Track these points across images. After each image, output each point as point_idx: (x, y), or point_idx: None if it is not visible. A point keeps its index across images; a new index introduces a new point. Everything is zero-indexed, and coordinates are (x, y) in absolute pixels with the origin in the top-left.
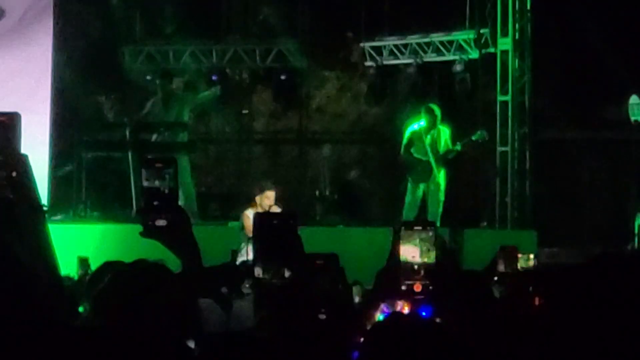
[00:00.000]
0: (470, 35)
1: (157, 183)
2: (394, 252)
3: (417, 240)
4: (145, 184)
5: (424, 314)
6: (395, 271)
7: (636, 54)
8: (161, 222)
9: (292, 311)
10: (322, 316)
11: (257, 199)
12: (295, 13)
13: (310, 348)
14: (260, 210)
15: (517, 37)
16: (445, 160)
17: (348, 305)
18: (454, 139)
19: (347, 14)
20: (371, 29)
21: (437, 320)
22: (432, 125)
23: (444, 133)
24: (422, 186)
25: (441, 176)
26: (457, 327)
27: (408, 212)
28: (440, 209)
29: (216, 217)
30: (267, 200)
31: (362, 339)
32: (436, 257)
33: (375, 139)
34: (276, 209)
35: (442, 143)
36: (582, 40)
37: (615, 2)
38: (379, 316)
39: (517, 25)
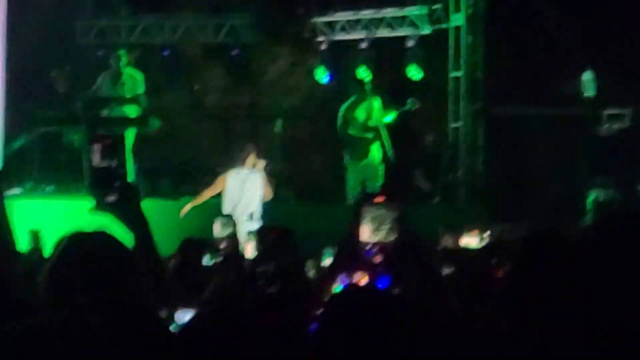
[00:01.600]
0: (422, 10)
1: (106, 160)
2: (355, 226)
3: (379, 215)
4: (95, 161)
5: (381, 285)
6: (356, 243)
7: (590, 29)
8: (112, 198)
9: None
10: (273, 290)
11: (249, 160)
12: None
13: (265, 321)
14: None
15: (469, 12)
16: (381, 132)
17: (302, 279)
18: (386, 109)
19: None
20: (323, 4)
21: (395, 291)
22: (363, 97)
23: (376, 105)
24: (361, 163)
25: (376, 150)
26: (415, 298)
27: (352, 191)
28: (380, 183)
29: (167, 192)
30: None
31: (319, 311)
32: (396, 230)
33: (326, 114)
34: (261, 163)
35: (375, 115)
36: (535, 16)
37: None
38: (337, 287)
39: (469, 1)
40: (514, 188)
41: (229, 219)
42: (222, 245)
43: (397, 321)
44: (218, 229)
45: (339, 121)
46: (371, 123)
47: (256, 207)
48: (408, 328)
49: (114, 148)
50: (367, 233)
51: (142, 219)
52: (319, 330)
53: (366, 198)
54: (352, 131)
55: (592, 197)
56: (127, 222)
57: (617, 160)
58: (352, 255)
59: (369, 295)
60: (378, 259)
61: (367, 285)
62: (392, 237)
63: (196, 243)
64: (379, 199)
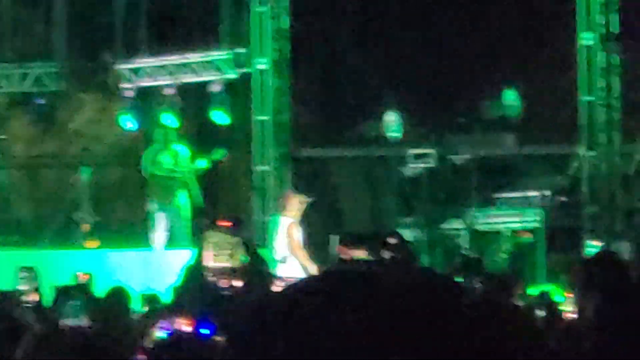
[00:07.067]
0: (227, 55)
1: None
2: (199, 254)
3: (219, 240)
4: None
5: (207, 331)
6: (201, 270)
7: (391, 70)
8: None
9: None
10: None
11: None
12: (51, 36)
13: None
14: (289, 216)
15: (275, 56)
16: (188, 179)
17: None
18: (194, 157)
19: (103, 37)
20: (128, 50)
21: (218, 338)
22: (168, 143)
23: (182, 152)
24: (165, 206)
25: (183, 195)
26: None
27: (158, 236)
28: (189, 229)
29: None
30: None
31: (142, 357)
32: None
33: (133, 161)
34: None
35: (181, 162)
36: (339, 60)
37: (364, 25)
38: (159, 334)
39: (275, 45)
40: (321, 230)
41: (32, 271)
42: (28, 297)
43: None
44: (21, 281)
45: (144, 164)
46: (178, 169)
47: (283, 252)
48: None
49: None
50: (209, 258)
51: None
52: None
53: (209, 224)
54: (158, 174)
55: None
56: None
57: (423, 199)
58: (198, 284)
59: (194, 343)
60: (225, 283)
61: (192, 332)
62: (234, 262)
63: (5, 296)
64: (225, 223)
